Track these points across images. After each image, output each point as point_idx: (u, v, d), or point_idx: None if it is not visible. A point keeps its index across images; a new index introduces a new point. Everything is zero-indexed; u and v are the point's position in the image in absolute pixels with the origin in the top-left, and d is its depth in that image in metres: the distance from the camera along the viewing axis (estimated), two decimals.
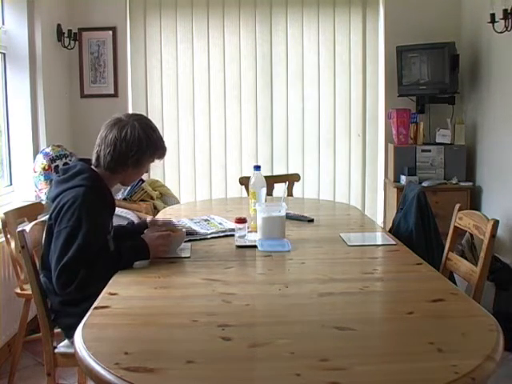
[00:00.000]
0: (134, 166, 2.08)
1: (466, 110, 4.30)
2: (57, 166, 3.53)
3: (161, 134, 2.18)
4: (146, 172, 2.24)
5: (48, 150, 3.61)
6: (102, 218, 2.02)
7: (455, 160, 4.08)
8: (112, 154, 2.03)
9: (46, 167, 3.50)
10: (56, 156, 3.56)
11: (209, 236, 2.37)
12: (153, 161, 2.16)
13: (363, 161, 4.59)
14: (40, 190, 3.53)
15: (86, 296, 1.82)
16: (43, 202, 3.45)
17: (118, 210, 2.63)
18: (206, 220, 2.66)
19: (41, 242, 2.26)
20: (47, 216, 2.05)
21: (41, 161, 3.54)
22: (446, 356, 1.24)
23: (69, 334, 1.99)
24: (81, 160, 2.12)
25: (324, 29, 4.46)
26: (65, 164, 3.56)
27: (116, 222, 2.27)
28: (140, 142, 2.04)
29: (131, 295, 1.68)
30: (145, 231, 2.28)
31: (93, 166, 2.09)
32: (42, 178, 3.51)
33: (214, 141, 4.53)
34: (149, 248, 1.98)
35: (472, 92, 4.19)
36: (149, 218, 2.46)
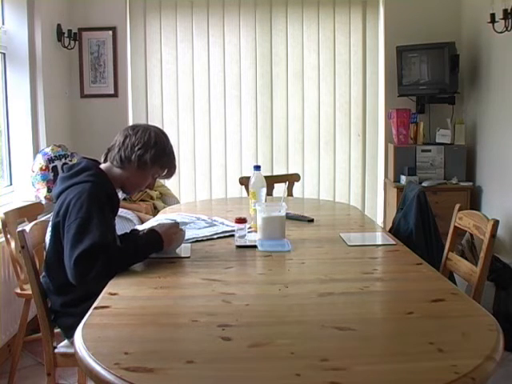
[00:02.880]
0: (137, 165, 2.07)
1: (466, 109, 4.30)
2: (55, 167, 3.52)
3: (173, 149, 2.20)
4: (149, 188, 2.25)
5: (47, 150, 3.60)
6: (108, 213, 2.02)
7: (455, 160, 4.08)
8: (120, 146, 2.07)
9: (44, 167, 3.50)
10: (55, 156, 3.55)
11: (209, 236, 2.37)
12: (157, 171, 2.15)
13: (363, 161, 4.59)
14: (37, 190, 3.52)
15: (86, 296, 1.82)
16: (43, 202, 3.45)
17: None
18: (207, 222, 2.66)
19: (41, 242, 2.26)
20: (52, 214, 2.05)
21: (39, 161, 3.53)
22: (446, 356, 1.23)
23: (68, 334, 1.99)
24: (85, 158, 2.13)
25: (324, 29, 4.46)
26: (64, 164, 3.55)
27: (116, 222, 2.27)
28: (149, 140, 2.08)
29: (131, 295, 1.68)
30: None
31: (101, 165, 2.12)
32: (39, 177, 3.50)
33: (213, 141, 4.53)
34: (163, 238, 2.00)
35: (472, 92, 4.19)
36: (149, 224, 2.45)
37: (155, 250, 2.00)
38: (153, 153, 2.08)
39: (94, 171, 2.04)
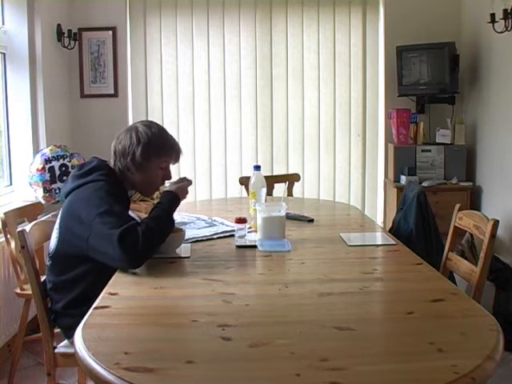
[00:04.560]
0: (136, 168, 2.07)
1: (466, 109, 4.30)
2: (52, 167, 3.49)
3: (171, 135, 2.18)
4: (168, 178, 2.20)
5: (46, 150, 3.58)
6: (125, 208, 2.01)
7: (455, 160, 4.08)
8: (114, 159, 2.08)
9: (40, 168, 3.48)
10: (52, 157, 3.52)
11: (209, 236, 2.37)
12: (160, 162, 2.12)
13: (363, 161, 4.59)
14: (35, 190, 3.52)
15: (88, 297, 1.81)
16: (43, 202, 3.45)
17: None
18: (207, 222, 2.66)
19: (41, 242, 2.26)
20: (58, 212, 2.04)
21: (37, 161, 3.52)
22: (446, 356, 1.23)
23: (68, 334, 1.99)
24: (96, 158, 2.13)
25: (324, 29, 4.46)
26: (62, 165, 3.52)
27: None
28: (131, 141, 2.06)
29: (131, 295, 1.68)
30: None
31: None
32: (35, 178, 3.48)
33: (213, 141, 4.53)
34: (178, 194, 2.06)
35: (472, 92, 4.19)
36: None
37: (176, 207, 2.06)
38: (140, 150, 2.05)
39: (106, 171, 2.05)
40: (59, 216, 2.03)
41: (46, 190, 3.47)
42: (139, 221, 1.93)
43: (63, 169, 3.52)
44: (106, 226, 1.81)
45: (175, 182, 2.18)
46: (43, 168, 3.49)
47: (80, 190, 1.97)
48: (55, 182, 3.48)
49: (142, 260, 1.83)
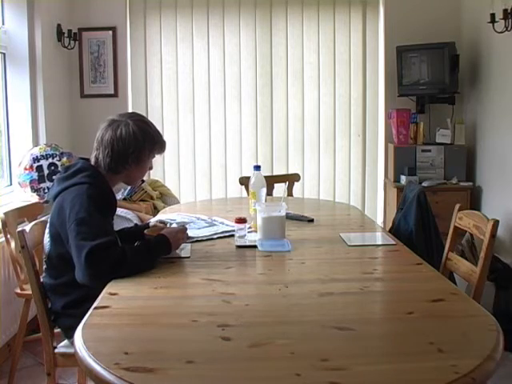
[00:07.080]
0: (135, 164, 2.08)
1: (466, 109, 4.30)
2: (40, 166, 3.48)
3: (157, 128, 2.17)
4: (151, 169, 2.23)
5: (35, 149, 3.56)
6: (107, 214, 2.00)
7: (455, 160, 4.08)
8: (111, 155, 2.03)
9: (28, 167, 3.47)
10: (41, 156, 3.50)
11: (209, 236, 2.37)
12: (153, 156, 2.16)
13: (363, 161, 4.59)
14: (24, 190, 3.51)
15: (88, 297, 1.81)
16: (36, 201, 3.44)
17: (118, 210, 2.63)
18: (207, 222, 2.66)
19: (41, 242, 2.26)
20: (50, 215, 2.05)
21: (25, 160, 3.51)
22: (446, 356, 1.23)
23: (68, 334, 1.99)
24: (82, 159, 2.11)
25: (324, 29, 4.46)
26: (51, 164, 3.50)
27: (116, 222, 2.27)
28: (136, 138, 2.04)
29: (131, 295, 1.68)
30: (145, 231, 2.28)
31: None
32: (23, 177, 3.48)
33: (213, 141, 4.53)
34: (171, 242, 2.00)
35: (472, 92, 4.19)
36: (152, 221, 2.45)
37: (164, 253, 1.99)
38: (145, 147, 2.06)
39: (90, 172, 2.03)
40: (49, 219, 2.03)
41: (33, 190, 3.45)
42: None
43: (52, 168, 3.50)
44: (78, 236, 1.81)
45: (174, 228, 2.14)
46: (31, 167, 3.47)
47: (65, 193, 1.96)
48: (44, 182, 3.46)
49: (103, 280, 1.76)
